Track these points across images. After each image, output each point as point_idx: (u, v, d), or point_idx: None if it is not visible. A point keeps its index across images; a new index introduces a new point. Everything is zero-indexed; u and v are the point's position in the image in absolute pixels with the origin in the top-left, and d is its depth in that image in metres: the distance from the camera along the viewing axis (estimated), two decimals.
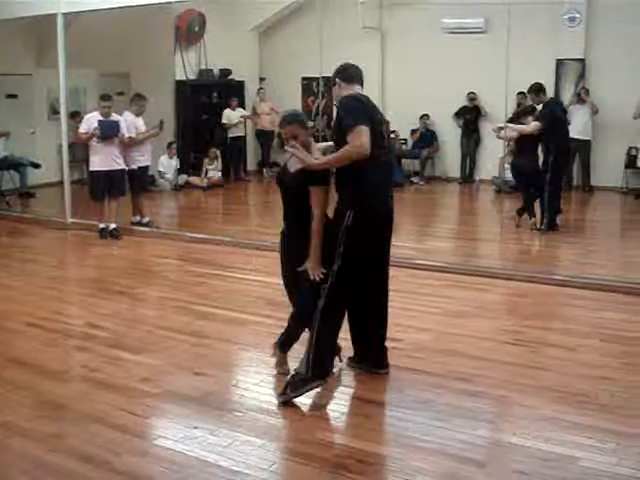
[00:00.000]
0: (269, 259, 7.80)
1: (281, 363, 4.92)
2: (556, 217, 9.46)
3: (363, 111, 4.48)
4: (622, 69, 11.96)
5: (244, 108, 14.91)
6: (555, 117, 9.29)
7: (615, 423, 4.14)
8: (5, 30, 11.46)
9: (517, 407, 4.41)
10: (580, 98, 12.33)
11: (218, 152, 14.26)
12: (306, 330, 4.70)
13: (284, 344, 4.89)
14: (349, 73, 4.80)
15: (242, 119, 14.65)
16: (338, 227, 4.49)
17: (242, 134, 14.87)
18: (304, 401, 4.50)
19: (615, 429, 4.06)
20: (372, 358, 4.93)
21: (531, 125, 9.38)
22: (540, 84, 9.50)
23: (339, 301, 4.58)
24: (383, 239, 4.74)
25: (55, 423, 4.23)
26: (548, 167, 9.30)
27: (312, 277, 4.44)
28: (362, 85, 4.79)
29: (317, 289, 4.50)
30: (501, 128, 9.76)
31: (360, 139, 4.30)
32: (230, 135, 14.63)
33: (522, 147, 9.74)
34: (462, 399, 4.50)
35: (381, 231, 4.70)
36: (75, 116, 11.80)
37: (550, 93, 12.55)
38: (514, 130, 9.61)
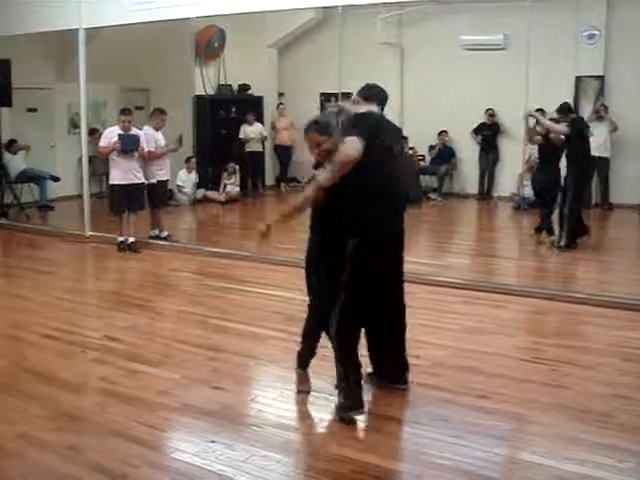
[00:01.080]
0: (287, 274, 7.84)
1: (302, 381, 4.90)
2: (576, 236, 9.40)
3: (367, 127, 4.45)
4: None
5: (262, 123, 14.96)
6: (582, 135, 9.25)
7: (634, 443, 4.10)
8: (27, 44, 11.57)
9: (535, 425, 4.37)
10: (599, 115, 12.29)
11: (236, 167, 14.31)
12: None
13: (302, 359, 4.89)
14: (370, 92, 4.81)
15: (259, 135, 14.69)
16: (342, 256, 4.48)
17: (260, 149, 14.90)
18: (322, 417, 4.49)
19: (634, 449, 4.03)
20: (389, 373, 4.92)
21: (561, 125, 9.25)
22: (568, 104, 9.51)
23: (350, 321, 4.57)
24: (390, 259, 4.67)
25: (72, 435, 4.24)
26: (569, 185, 9.25)
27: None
28: (383, 107, 4.79)
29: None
30: (532, 115, 9.62)
31: (346, 146, 4.28)
32: (247, 150, 14.68)
33: (544, 162, 9.70)
34: (480, 416, 4.47)
35: (385, 253, 4.61)
36: (93, 133, 11.89)
37: None
38: (544, 125, 9.47)
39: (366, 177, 4.33)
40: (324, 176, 4.35)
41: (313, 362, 5.14)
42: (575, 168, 9.26)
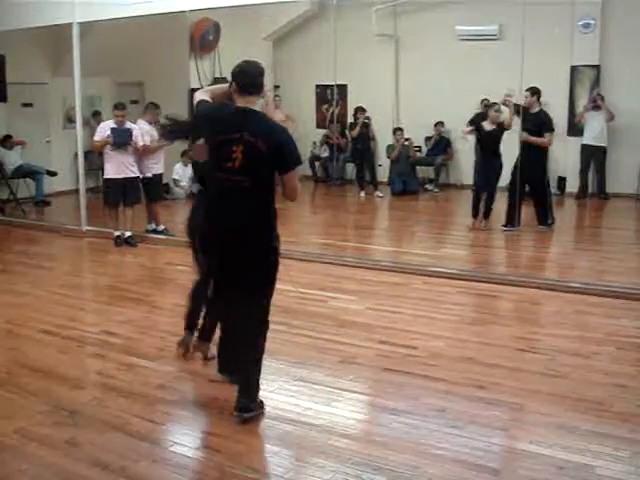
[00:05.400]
0: (281, 266, 7.86)
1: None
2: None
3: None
4: (637, 75, 11.92)
5: None
6: None
7: (631, 431, 4.12)
8: (21, 39, 11.54)
9: (532, 415, 4.39)
10: (595, 104, 12.30)
11: None
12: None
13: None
14: (245, 81, 4.29)
15: None
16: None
17: None
18: (320, 408, 4.50)
19: (631, 437, 4.05)
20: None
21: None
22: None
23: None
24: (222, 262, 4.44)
25: (70, 430, 4.24)
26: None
27: None
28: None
29: None
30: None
31: None
32: None
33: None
34: (477, 407, 4.49)
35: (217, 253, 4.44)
36: (97, 115, 12.50)
37: (565, 99, 12.60)
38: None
39: None
40: None
41: (312, 354, 5.18)
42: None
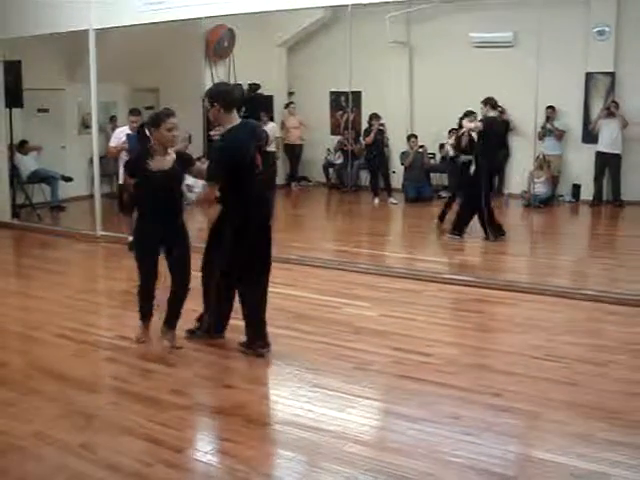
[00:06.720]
0: (296, 272, 7.87)
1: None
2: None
3: (225, 162, 5.19)
4: None
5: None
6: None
7: None
8: (37, 45, 11.60)
9: (549, 423, 4.37)
10: (610, 112, 12.26)
11: None
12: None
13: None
14: (231, 98, 5.23)
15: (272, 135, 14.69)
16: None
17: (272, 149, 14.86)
18: (334, 414, 4.49)
19: None
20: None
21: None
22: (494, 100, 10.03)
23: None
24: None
25: (85, 433, 4.25)
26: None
27: None
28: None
29: None
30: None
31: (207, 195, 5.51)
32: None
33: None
34: (493, 414, 4.47)
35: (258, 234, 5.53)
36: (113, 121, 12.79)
37: (580, 106, 12.56)
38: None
39: None
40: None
41: (327, 360, 5.18)
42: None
